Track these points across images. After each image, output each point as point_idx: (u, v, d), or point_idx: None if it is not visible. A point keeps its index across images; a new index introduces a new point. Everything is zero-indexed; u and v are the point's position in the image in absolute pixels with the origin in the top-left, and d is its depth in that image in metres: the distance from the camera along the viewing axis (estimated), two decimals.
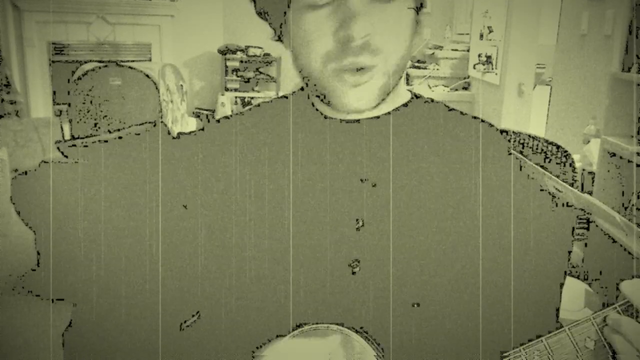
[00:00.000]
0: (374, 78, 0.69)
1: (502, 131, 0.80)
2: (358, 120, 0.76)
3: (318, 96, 0.74)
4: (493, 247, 0.72)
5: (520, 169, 0.76)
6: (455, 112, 0.80)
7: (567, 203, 0.72)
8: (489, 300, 0.71)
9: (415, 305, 0.70)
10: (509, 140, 0.79)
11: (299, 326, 0.69)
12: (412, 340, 0.70)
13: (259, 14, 0.76)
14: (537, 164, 0.75)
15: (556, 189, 0.73)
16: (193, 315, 0.74)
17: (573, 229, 0.74)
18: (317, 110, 0.79)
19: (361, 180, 0.74)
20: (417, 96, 0.82)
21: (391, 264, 0.71)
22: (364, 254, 0.72)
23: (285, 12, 0.71)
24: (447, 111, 0.80)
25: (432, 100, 0.82)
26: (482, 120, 0.79)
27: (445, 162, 0.75)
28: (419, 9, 0.73)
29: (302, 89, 0.82)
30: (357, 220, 0.73)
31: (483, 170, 0.75)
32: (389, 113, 0.77)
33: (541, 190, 0.75)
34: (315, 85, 0.72)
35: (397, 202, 0.73)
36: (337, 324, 0.69)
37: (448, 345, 0.70)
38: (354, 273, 0.71)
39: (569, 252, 0.75)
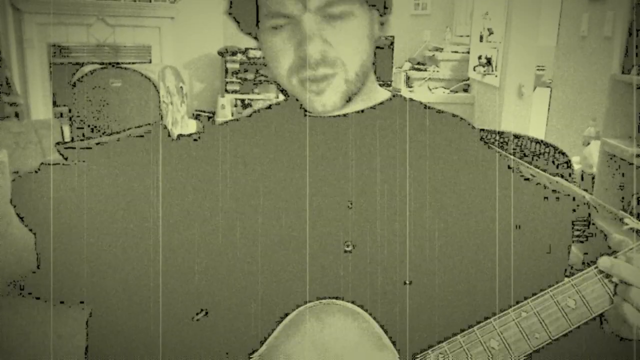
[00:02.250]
0: (333, 84, 0.76)
1: (482, 130, 0.83)
2: (344, 115, 0.81)
3: (291, 98, 0.80)
4: (482, 238, 0.75)
5: (498, 158, 0.79)
6: (432, 110, 0.84)
7: (555, 191, 0.75)
8: (486, 287, 0.74)
9: (407, 283, 0.73)
10: (494, 140, 0.81)
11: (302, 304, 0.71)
12: (406, 316, 0.72)
13: (229, 13, 0.81)
14: (510, 152, 0.78)
15: (531, 174, 0.78)
16: (198, 313, 0.75)
17: (572, 223, 0.76)
18: (302, 109, 0.82)
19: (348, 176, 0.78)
20: (396, 95, 0.85)
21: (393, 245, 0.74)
22: (355, 236, 0.75)
23: (255, 28, 0.79)
24: (425, 109, 0.84)
25: (412, 100, 0.85)
26: (461, 118, 0.84)
27: (425, 150, 0.79)
28: (382, 13, 0.80)
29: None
30: (350, 202, 0.77)
31: (464, 163, 0.79)
32: (372, 107, 0.82)
33: (537, 184, 0.77)
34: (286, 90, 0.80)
35: (383, 189, 0.77)
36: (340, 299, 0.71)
37: (444, 321, 0.72)
38: (346, 252, 0.74)
39: (569, 247, 0.76)
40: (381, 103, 0.83)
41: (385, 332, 0.70)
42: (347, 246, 0.74)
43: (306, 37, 0.74)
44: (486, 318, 0.69)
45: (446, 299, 0.74)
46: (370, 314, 0.70)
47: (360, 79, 0.78)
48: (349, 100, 0.78)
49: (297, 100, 0.80)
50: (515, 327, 0.67)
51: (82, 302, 0.76)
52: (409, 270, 0.73)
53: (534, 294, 0.68)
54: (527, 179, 0.77)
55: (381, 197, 0.76)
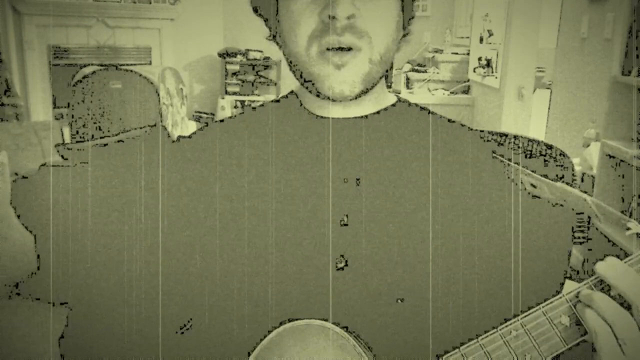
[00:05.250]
0: (357, 59, 0.71)
1: (491, 132, 0.82)
2: (350, 118, 0.78)
3: (306, 86, 0.76)
4: (480, 246, 0.73)
5: (505, 170, 0.77)
6: (443, 118, 0.82)
7: (537, 196, 0.73)
8: (483, 298, 0.72)
9: (399, 301, 0.71)
10: (496, 143, 0.80)
11: (282, 323, 0.69)
12: (397, 335, 0.70)
13: (255, 10, 0.79)
14: (513, 161, 0.76)
15: (532, 185, 0.74)
16: (185, 325, 0.74)
17: (572, 229, 0.75)
18: (305, 109, 0.80)
19: (344, 180, 0.75)
20: (401, 100, 0.83)
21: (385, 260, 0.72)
22: (348, 251, 0.73)
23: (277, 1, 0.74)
24: (430, 115, 0.82)
25: (417, 105, 0.83)
26: (470, 128, 0.81)
27: (428, 161, 0.77)
28: (406, 7, 0.75)
29: (292, 91, 0.84)
30: (343, 217, 0.74)
31: (467, 171, 0.76)
32: (376, 113, 0.79)
33: (528, 192, 0.75)
34: (301, 72, 0.74)
35: (380, 199, 0.74)
36: (320, 319, 0.69)
37: (435, 340, 0.71)
38: (338, 269, 0.72)
39: (569, 253, 0.75)
40: (385, 109, 0.80)
41: (370, 349, 0.68)
42: (340, 262, 0.72)
43: None
44: (477, 336, 0.64)
45: (440, 316, 0.71)
46: (357, 334, 0.68)
47: (383, 65, 0.74)
48: (365, 91, 0.74)
49: (307, 85, 0.75)
50: (504, 347, 0.62)
51: (64, 303, 0.75)
52: (404, 288, 0.71)
53: (529, 308, 0.63)
54: (537, 197, 0.73)
55: (378, 211, 0.73)
